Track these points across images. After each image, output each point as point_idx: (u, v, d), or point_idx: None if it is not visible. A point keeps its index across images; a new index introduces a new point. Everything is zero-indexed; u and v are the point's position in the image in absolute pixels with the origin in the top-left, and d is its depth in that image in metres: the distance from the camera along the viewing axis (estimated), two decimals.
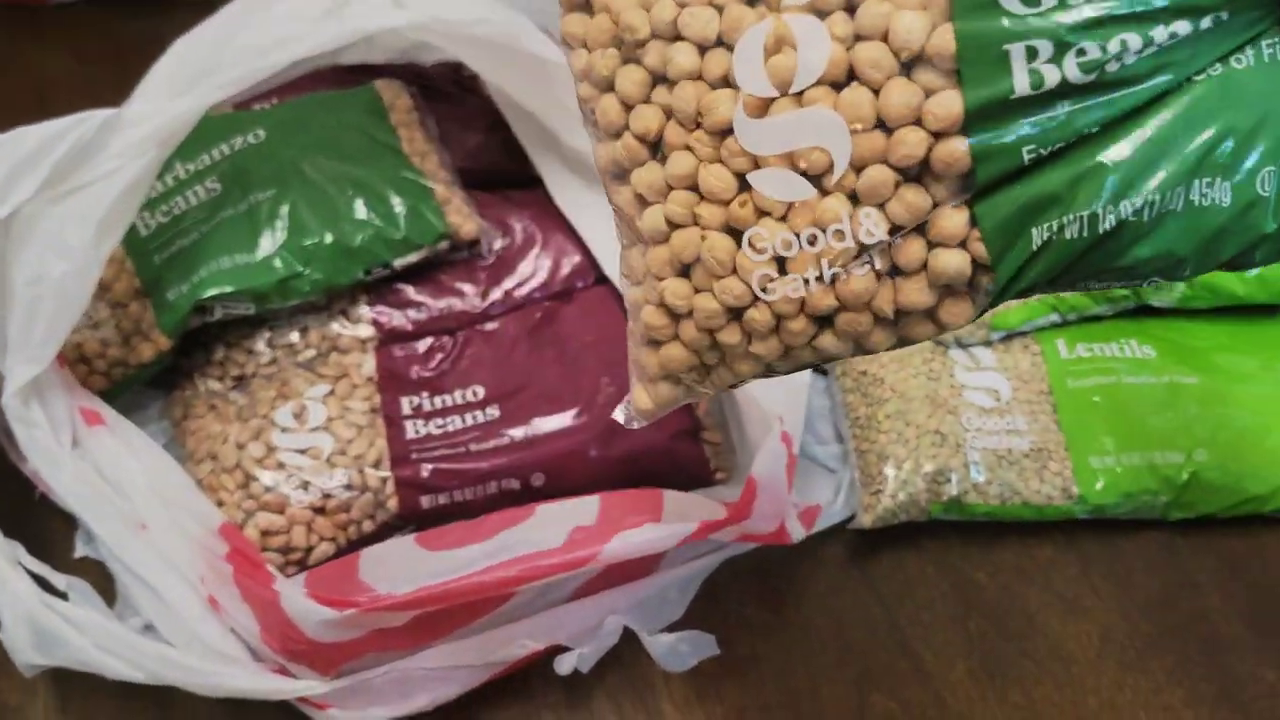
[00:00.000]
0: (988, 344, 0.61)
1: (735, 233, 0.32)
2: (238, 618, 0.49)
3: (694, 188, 0.32)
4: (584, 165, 0.61)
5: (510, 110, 0.63)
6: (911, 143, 0.29)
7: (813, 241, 0.31)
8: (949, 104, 0.29)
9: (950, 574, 0.58)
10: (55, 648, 0.47)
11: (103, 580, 0.52)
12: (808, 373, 0.53)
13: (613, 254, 0.60)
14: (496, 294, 0.60)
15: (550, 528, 0.50)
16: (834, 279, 0.31)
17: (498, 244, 0.61)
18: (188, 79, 0.51)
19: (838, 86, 0.30)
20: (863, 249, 0.30)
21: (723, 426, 0.59)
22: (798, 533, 0.53)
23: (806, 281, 0.31)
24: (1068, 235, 0.30)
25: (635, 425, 0.36)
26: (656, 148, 0.32)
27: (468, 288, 0.60)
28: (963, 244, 0.30)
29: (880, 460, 0.57)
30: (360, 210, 0.58)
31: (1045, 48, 0.28)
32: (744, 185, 0.31)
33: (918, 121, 0.29)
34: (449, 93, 0.65)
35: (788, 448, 0.50)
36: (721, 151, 0.31)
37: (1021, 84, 0.28)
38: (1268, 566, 0.58)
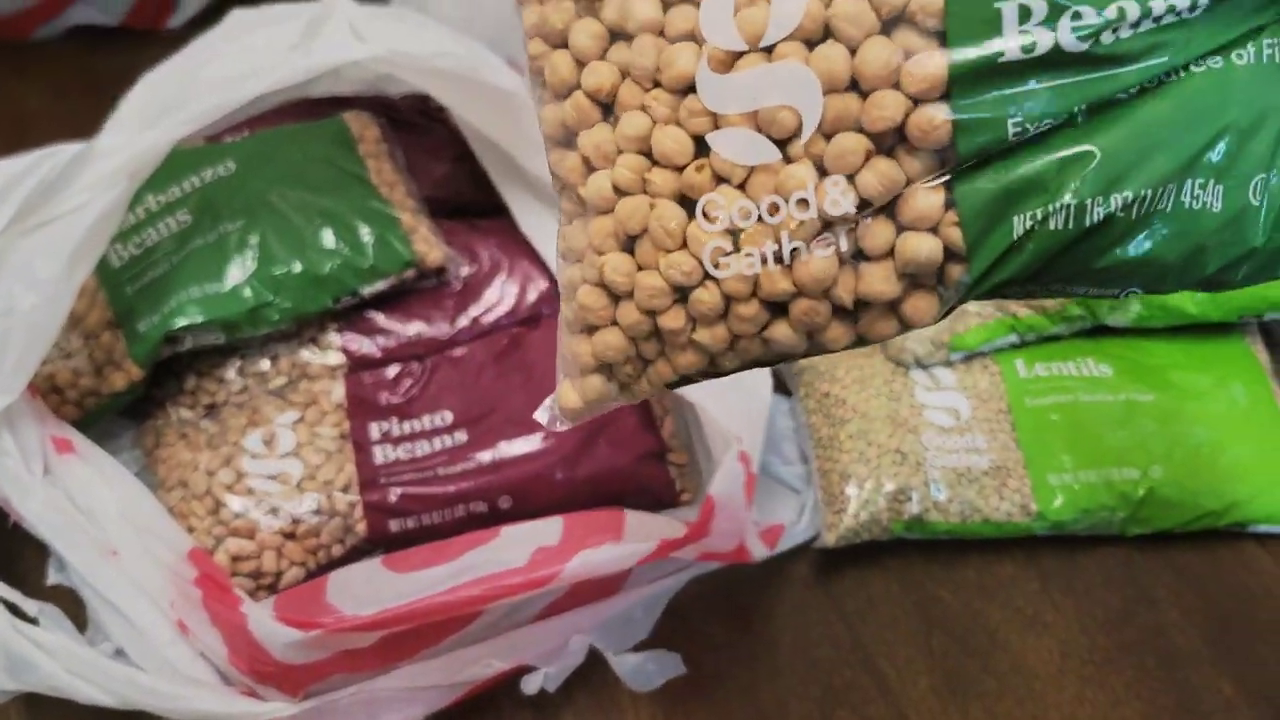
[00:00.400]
0: (948, 364, 0.62)
1: (688, 203, 0.29)
2: (207, 641, 0.49)
3: (646, 152, 0.30)
4: (548, 193, 0.62)
5: (476, 140, 0.64)
6: (887, 105, 0.28)
7: (774, 211, 0.28)
8: (931, 64, 0.27)
9: (913, 591, 0.59)
10: (26, 673, 0.48)
11: (75, 606, 0.53)
12: (768, 393, 0.54)
13: None
14: (464, 320, 0.61)
15: (514, 548, 0.51)
16: (793, 256, 0.29)
17: (465, 271, 0.62)
18: (156, 113, 0.52)
19: (812, 43, 0.28)
20: (827, 224, 0.28)
21: (689, 448, 0.60)
22: (759, 551, 0.54)
23: (764, 258, 0.29)
24: (1051, 226, 0.28)
25: (560, 427, 0.33)
26: (609, 109, 0.30)
27: (436, 315, 0.61)
28: (935, 229, 0.28)
29: (842, 480, 0.58)
30: (329, 239, 0.59)
31: (1040, 8, 0.27)
32: (702, 149, 0.29)
33: (897, 85, 0.28)
34: (417, 123, 0.66)
35: (746, 467, 0.50)
36: (680, 112, 0.29)
37: (1012, 47, 0.27)
38: (1223, 581, 0.59)
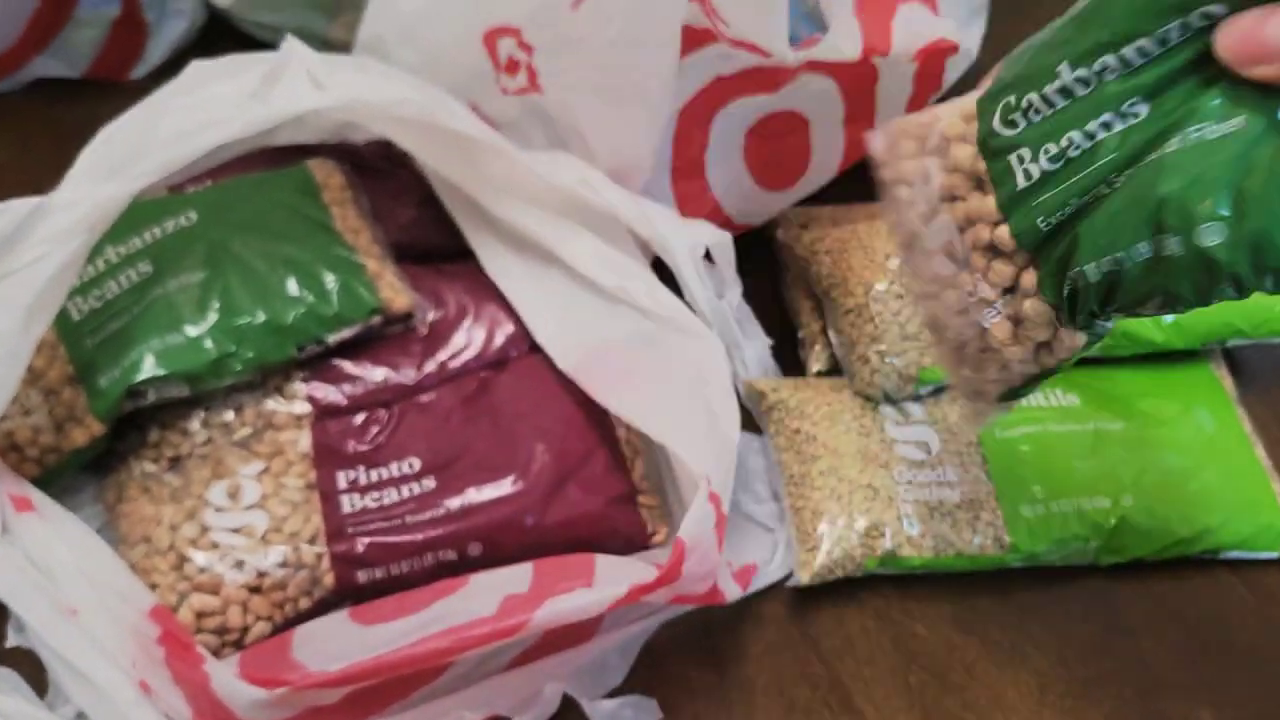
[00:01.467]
0: (917, 398, 0.62)
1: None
2: (170, 701, 0.48)
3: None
4: (513, 236, 0.62)
5: (440, 184, 0.64)
6: (981, 229, 0.45)
7: (970, 295, 0.46)
8: (986, 204, 0.44)
9: (890, 627, 0.58)
10: None
11: (35, 669, 0.52)
12: (736, 432, 0.54)
13: (544, 322, 0.61)
14: (431, 366, 0.60)
15: (483, 597, 0.50)
16: (992, 319, 0.46)
17: (431, 316, 0.61)
18: (114, 165, 0.52)
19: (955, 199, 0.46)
20: (989, 303, 0.45)
21: (660, 490, 0.59)
22: (733, 592, 0.53)
23: (992, 317, 0.46)
24: (1088, 279, 0.41)
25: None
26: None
27: (402, 361, 0.60)
28: (1036, 294, 0.44)
29: (815, 517, 0.58)
30: (292, 288, 0.58)
31: (1027, 153, 0.42)
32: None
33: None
34: (381, 169, 0.66)
35: (716, 507, 0.50)
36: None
37: (1021, 179, 0.42)
38: (1199, 608, 0.59)
